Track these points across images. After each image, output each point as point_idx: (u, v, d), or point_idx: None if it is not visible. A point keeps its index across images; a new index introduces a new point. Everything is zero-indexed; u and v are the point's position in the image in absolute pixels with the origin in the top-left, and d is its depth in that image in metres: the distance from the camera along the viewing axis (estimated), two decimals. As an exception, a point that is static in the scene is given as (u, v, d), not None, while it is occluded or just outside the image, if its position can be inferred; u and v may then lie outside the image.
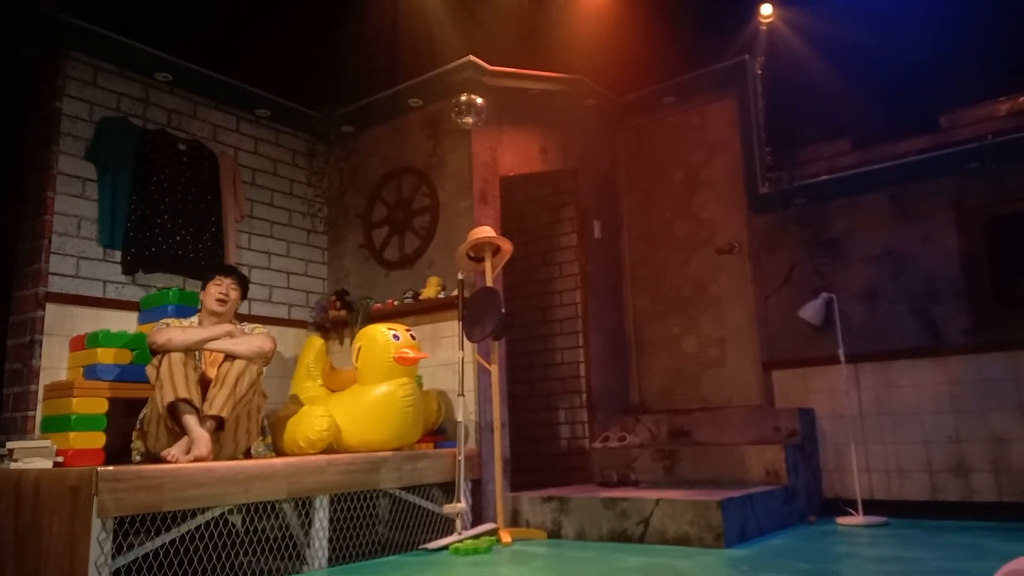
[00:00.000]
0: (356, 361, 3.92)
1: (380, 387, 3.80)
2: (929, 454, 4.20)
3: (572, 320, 5.17)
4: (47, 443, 3.15)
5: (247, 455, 3.51)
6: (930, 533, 3.65)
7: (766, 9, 5.07)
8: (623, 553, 3.35)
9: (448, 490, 3.94)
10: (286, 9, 4.73)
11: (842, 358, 4.22)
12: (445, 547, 3.61)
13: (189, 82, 4.49)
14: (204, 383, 3.36)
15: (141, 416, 3.43)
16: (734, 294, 5.09)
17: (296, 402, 4.12)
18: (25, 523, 2.76)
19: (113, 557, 2.63)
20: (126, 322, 4.00)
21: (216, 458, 3.20)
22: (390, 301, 4.72)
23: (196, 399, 3.24)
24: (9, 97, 4.08)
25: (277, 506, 3.20)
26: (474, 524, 3.97)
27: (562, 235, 5.31)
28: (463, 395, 3.94)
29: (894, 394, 4.34)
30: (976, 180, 4.24)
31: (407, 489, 3.76)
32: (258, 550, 3.19)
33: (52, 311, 3.77)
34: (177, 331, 3.39)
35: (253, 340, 3.50)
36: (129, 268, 4.10)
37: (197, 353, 3.45)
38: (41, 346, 3.71)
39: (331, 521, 3.38)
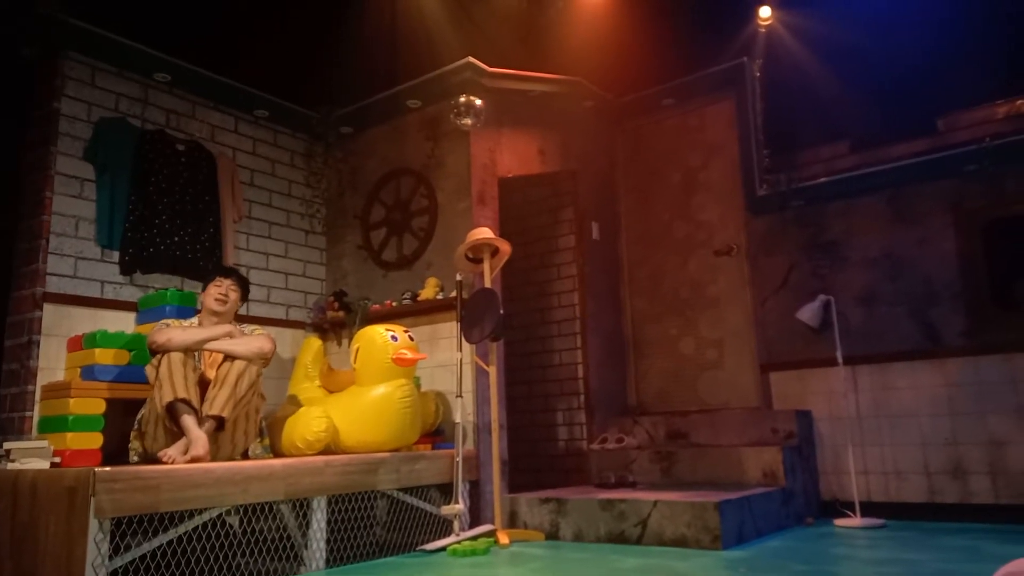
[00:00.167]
0: (354, 362, 3.92)
1: (378, 388, 3.80)
2: (926, 456, 4.21)
3: (570, 321, 5.17)
4: (44, 444, 3.14)
5: (245, 456, 3.51)
6: (927, 535, 3.65)
7: (765, 12, 5.08)
8: (621, 554, 3.35)
9: (446, 491, 3.94)
10: (285, 10, 4.73)
11: (840, 360, 4.23)
12: (443, 548, 3.61)
13: (188, 82, 4.49)
14: (203, 384, 3.36)
15: (139, 416, 3.43)
16: (732, 296, 5.09)
17: (294, 403, 4.11)
18: (22, 524, 2.75)
19: (110, 558, 2.63)
20: (124, 322, 4.00)
21: (214, 459, 3.20)
22: (388, 302, 4.72)
23: (195, 400, 3.24)
24: (7, 97, 4.08)
25: (275, 507, 3.20)
26: (472, 525, 3.97)
27: (560, 236, 5.31)
28: (461, 396, 3.94)
29: (891, 396, 4.34)
30: (974, 183, 4.24)
31: (405, 490, 3.76)
32: (255, 551, 3.19)
33: (50, 311, 3.77)
34: (177, 331, 3.39)
35: (253, 341, 3.50)
36: (127, 268, 4.10)
37: (196, 354, 3.44)
38: (39, 346, 3.70)
39: (329, 522, 3.38)
